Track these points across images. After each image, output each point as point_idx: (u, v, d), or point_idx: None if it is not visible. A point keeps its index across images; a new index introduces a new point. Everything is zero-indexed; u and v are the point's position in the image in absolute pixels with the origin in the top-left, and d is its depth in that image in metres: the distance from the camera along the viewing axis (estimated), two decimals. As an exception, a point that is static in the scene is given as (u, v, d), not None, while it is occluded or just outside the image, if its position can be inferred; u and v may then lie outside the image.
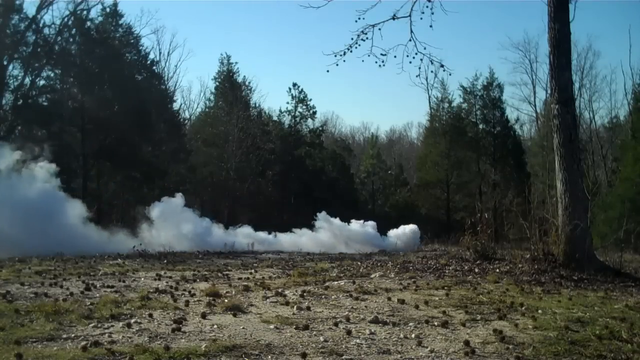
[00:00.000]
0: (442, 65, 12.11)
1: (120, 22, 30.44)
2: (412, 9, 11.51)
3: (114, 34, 29.97)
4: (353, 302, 7.52)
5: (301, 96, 39.10)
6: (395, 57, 11.70)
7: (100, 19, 29.56)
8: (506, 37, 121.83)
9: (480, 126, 37.00)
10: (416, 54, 11.53)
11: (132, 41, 30.85)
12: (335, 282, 9.27)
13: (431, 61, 11.65)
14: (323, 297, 7.89)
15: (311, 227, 24.03)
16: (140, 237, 17.94)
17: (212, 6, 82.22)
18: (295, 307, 6.97)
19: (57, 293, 7.74)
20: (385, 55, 11.44)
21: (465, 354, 5.00)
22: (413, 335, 5.65)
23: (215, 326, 5.93)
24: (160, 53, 44.08)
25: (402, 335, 5.66)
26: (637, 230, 18.33)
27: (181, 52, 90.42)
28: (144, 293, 7.64)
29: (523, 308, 7.11)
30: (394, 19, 11.57)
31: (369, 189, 43.01)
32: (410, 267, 11.88)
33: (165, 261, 13.22)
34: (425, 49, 11.98)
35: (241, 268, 12.07)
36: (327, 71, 23.74)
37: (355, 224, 25.14)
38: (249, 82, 39.89)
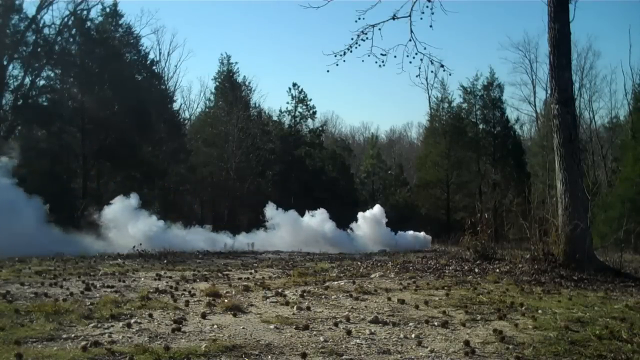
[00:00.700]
0: (442, 65, 12.11)
1: (120, 22, 30.50)
2: (412, 9, 11.52)
3: (114, 34, 29.97)
4: (353, 302, 7.52)
5: (301, 96, 39.14)
6: (395, 57, 11.72)
7: (100, 19, 29.59)
8: (506, 37, 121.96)
9: (480, 126, 37.02)
10: (416, 54, 11.54)
11: (132, 41, 30.86)
12: (335, 282, 9.27)
13: (431, 61, 11.66)
14: (323, 297, 7.89)
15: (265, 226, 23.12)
16: (103, 237, 17.51)
17: (212, 6, 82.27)
18: (295, 307, 6.97)
19: (57, 293, 7.74)
20: (385, 55, 11.45)
21: (465, 354, 5.00)
22: (413, 335, 5.65)
23: (215, 326, 5.93)
24: (160, 53, 44.12)
25: (402, 335, 5.66)
26: (637, 230, 18.35)
27: (181, 52, 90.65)
28: (144, 293, 7.64)
29: (523, 308, 7.11)
30: (394, 19, 11.57)
31: (369, 189, 43.04)
32: (410, 267, 11.88)
33: (165, 261, 13.23)
34: (425, 49, 12.03)
35: (241, 268, 12.08)
36: (327, 71, 23.71)
37: (311, 219, 23.52)
38: (249, 82, 39.98)
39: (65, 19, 26.72)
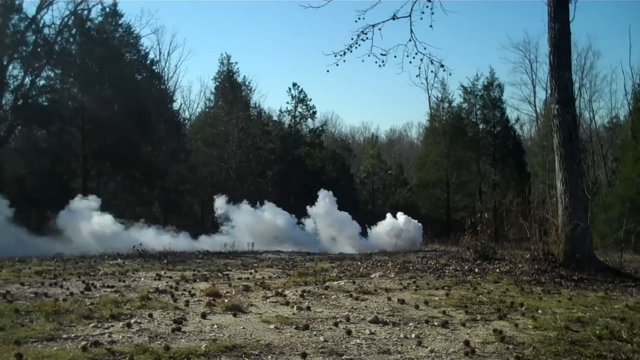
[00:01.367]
0: (442, 65, 12.10)
1: (120, 22, 30.48)
2: (412, 9, 11.52)
3: (114, 34, 29.98)
4: (353, 302, 7.52)
5: (301, 96, 39.12)
6: (395, 57, 11.69)
7: (100, 19, 29.58)
8: (506, 37, 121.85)
9: (481, 126, 37.00)
10: (416, 54, 11.53)
11: (131, 41, 30.85)
12: (335, 282, 9.27)
13: (431, 61, 11.65)
14: (323, 297, 7.89)
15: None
16: (63, 238, 17.14)
17: (212, 6, 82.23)
18: (295, 307, 6.97)
19: (57, 293, 7.74)
20: (385, 55, 11.44)
21: (465, 354, 5.00)
22: (413, 335, 5.65)
23: (215, 326, 5.93)
24: (160, 53, 44.07)
25: (402, 335, 5.66)
26: (637, 230, 18.36)
27: (181, 52, 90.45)
28: (144, 293, 7.64)
29: (523, 308, 7.11)
30: (394, 19, 11.56)
31: (369, 189, 43.03)
32: (410, 267, 11.88)
33: (165, 261, 13.23)
34: (425, 49, 11.97)
35: (241, 268, 12.07)
36: (327, 71, 23.74)
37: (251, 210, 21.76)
38: (249, 82, 39.93)
39: (65, 19, 26.72)
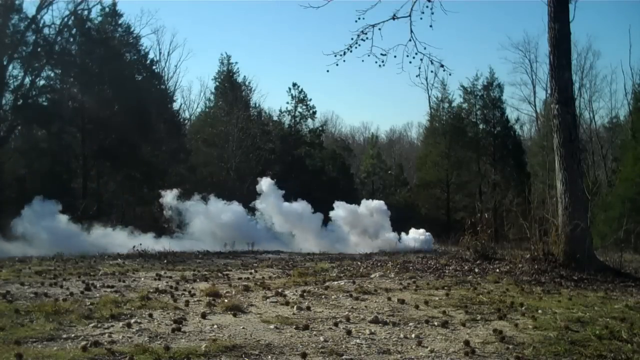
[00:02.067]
0: (442, 65, 12.09)
1: (120, 22, 30.49)
2: (412, 9, 11.51)
3: (114, 34, 29.98)
4: (353, 302, 7.52)
5: (301, 96, 39.12)
6: (395, 57, 11.68)
7: (99, 19, 29.58)
8: (506, 37, 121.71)
9: (481, 126, 37.01)
10: (416, 54, 11.52)
11: (131, 41, 30.85)
12: (335, 282, 9.27)
13: (431, 61, 11.65)
14: (323, 297, 7.89)
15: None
16: (24, 241, 16.67)
17: (212, 6, 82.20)
18: (295, 307, 6.97)
19: (57, 293, 7.74)
20: (385, 55, 11.44)
21: (465, 354, 5.00)
22: (413, 335, 5.65)
23: (215, 326, 5.93)
24: (160, 53, 44.12)
25: (402, 335, 5.66)
26: (637, 230, 18.36)
27: (181, 52, 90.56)
28: (144, 293, 7.64)
29: (523, 308, 7.11)
30: (394, 19, 11.56)
31: (369, 189, 43.01)
32: (410, 267, 11.88)
33: (165, 261, 13.23)
34: (425, 49, 11.95)
35: (241, 268, 12.07)
36: (327, 71, 23.65)
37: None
38: (249, 82, 39.95)
39: (65, 19, 26.73)
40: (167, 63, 44.39)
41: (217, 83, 38.32)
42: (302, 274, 10.31)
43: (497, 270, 10.92)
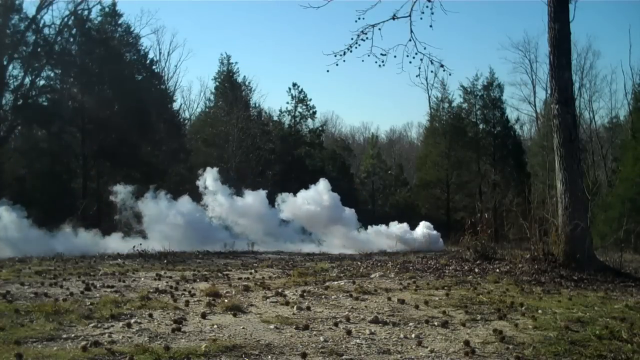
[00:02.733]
0: (442, 65, 12.09)
1: (120, 21, 30.49)
2: (412, 9, 11.51)
3: (114, 34, 29.98)
4: (353, 302, 7.51)
5: (301, 96, 39.12)
6: (395, 57, 11.70)
7: (99, 19, 29.59)
8: (506, 37, 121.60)
9: (480, 126, 36.99)
10: (416, 54, 11.52)
11: (131, 41, 30.87)
12: (335, 282, 9.27)
13: (431, 61, 11.65)
14: (323, 297, 7.89)
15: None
16: None
17: (212, 6, 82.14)
18: (295, 307, 6.97)
19: (57, 293, 7.74)
20: (385, 55, 11.44)
21: (465, 354, 4.99)
22: (413, 335, 5.65)
23: (215, 326, 5.93)
24: (160, 53, 44.13)
25: (402, 335, 5.66)
26: (637, 230, 18.35)
27: (181, 52, 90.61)
28: (144, 293, 7.64)
29: (523, 308, 7.11)
30: (394, 19, 11.56)
31: (369, 189, 43.01)
32: (410, 267, 11.88)
33: (165, 261, 13.23)
34: (425, 49, 11.97)
35: (241, 268, 12.07)
36: (327, 71, 23.64)
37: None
38: (249, 82, 39.92)
39: (65, 19, 26.76)
40: (167, 63, 44.41)
41: (217, 83, 38.33)
42: (302, 274, 10.31)
43: (497, 270, 10.92)
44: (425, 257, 14.31)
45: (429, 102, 43.84)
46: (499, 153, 35.62)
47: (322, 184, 21.22)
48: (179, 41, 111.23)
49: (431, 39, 73.66)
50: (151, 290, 8.06)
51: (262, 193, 20.62)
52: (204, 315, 6.37)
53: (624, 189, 24.51)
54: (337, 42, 58.46)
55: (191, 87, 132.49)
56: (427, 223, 22.76)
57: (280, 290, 8.35)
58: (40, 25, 25.99)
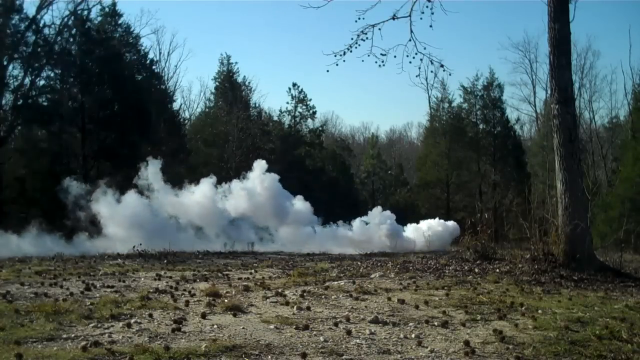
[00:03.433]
0: (442, 65, 12.09)
1: (120, 21, 30.48)
2: (412, 9, 11.50)
3: (114, 34, 29.98)
4: (353, 302, 7.51)
5: (301, 96, 39.13)
6: (395, 57, 11.69)
7: (99, 19, 29.58)
8: (506, 37, 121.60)
9: (481, 126, 37.00)
10: (416, 54, 11.52)
11: (131, 41, 30.86)
12: (335, 282, 9.27)
13: (431, 61, 11.65)
14: (323, 297, 7.89)
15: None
16: None
17: (212, 6, 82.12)
18: (295, 307, 6.97)
19: (57, 293, 7.74)
20: (385, 55, 11.43)
21: (465, 354, 4.99)
22: (413, 335, 5.65)
23: (215, 326, 5.93)
24: (160, 53, 43.99)
25: (402, 335, 5.66)
26: (637, 230, 18.36)
27: (181, 52, 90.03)
28: (144, 293, 7.64)
29: (523, 308, 7.10)
30: (394, 19, 11.55)
31: (369, 189, 43.03)
32: (410, 267, 11.88)
33: (165, 261, 13.23)
34: (425, 49, 11.94)
35: (241, 268, 12.07)
36: (327, 71, 23.61)
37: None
38: (249, 82, 39.92)
39: (65, 19, 26.73)
40: (167, 63, 44.22)
41: (217, 83, 38.35)
42: (302, 274, 10.31)
43: (497, 270, 10.91)
44: (425, 257, 14.31)
45: (429, 102, 43.88)
46: (499, 153, 35.62)
47: (257, 169, 18.47)
48: (179, 41, 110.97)
49: (431, 39, 73.62)
50: (151, 290, 8.05)
51: (207, 185, 18.08)
52: (204, 315, 6.37)
53: (624, 189, 24.51)
54: (337, 42, 58.40)
55: (191, 87, 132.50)
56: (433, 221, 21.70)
57: (280, 290, 8.35)
58: (40, 25, 25.99)
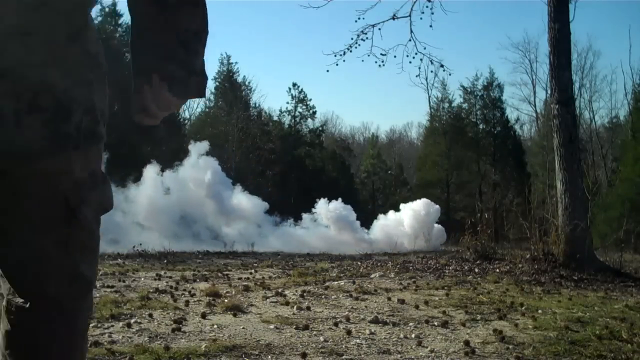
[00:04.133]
0: (442, 65, 12.20)
1: (120, 21, 30.53)
2: (412, 9, 11.55)
3: (114, 34, 30.02)
4: (353, 302, 7.51)
5: (301, 96, 39.19)
6: (395, 57, 11.87)
7: (99, 18, 29.60)
8: (506, 37, 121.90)
9: (481, 126, 37.06)
10: (416, 54, 11.58)
11: (131, 41, 30.92)
12: (335, 282, 9.27)
13: (431, 61, 11.71)
14: (323, 297, 7.88)
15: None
16: None
17: (211, 6, 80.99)
18: (295, 307, 6.96)
19: (57, 293, 7.73)
20: (385, 55, 11.50)
21: (465, 354, 4.99)
22: (413, 335, 5.64)
23: (215, 326, 5.92)
24: (160, 53, 44.07)
25: (402, 335, 5.65)
26: (637, 230, 18.36)
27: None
28: (144, 293, 7.63)
29: (523, 308, 7.10)
30: (394, 19, 11.58)
31: (369, 189, 43.09)
32: (410, 267, 11.88)
33: (165, 261, 13.23)
34: (425, 49, 12.10)
35: (241, 268, 12.07)
36: (327, 71, 23.78)
37: None
38: (249, 82, 39.97)
39: (65, 19, 26.77)
40: (167, 63, 44.34)
41: (217, 83, 38.40)
42: (302, 274, 10.31)
43: (497, 270, 10.92)
44: (425, 257, 14.31)
45: (429, 102, 43.92)
46: (499, 153, 35.68)
47: (193, 153, 16.26)
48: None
49: (431, 39, 73.60)
50: (151, 290, 8.05)
51: (151, 172, 16.09)
52: (204, 315, 6.36)
53: (624, 189, 24.54)
54: (337, 42, 58.54)
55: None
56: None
57: (280, 290, 8.35)
58: (41, 25, 26.03)
